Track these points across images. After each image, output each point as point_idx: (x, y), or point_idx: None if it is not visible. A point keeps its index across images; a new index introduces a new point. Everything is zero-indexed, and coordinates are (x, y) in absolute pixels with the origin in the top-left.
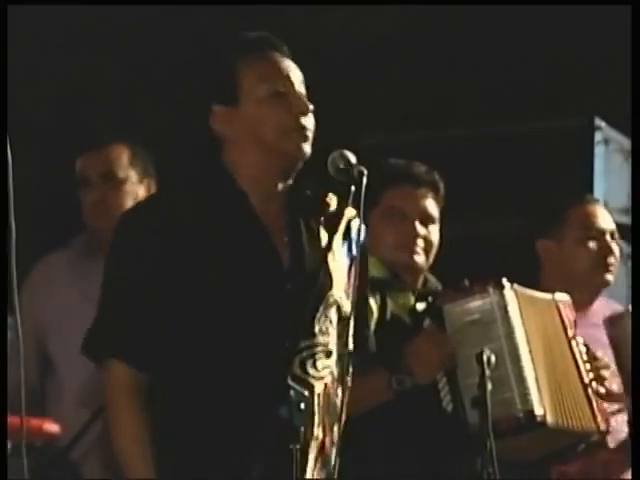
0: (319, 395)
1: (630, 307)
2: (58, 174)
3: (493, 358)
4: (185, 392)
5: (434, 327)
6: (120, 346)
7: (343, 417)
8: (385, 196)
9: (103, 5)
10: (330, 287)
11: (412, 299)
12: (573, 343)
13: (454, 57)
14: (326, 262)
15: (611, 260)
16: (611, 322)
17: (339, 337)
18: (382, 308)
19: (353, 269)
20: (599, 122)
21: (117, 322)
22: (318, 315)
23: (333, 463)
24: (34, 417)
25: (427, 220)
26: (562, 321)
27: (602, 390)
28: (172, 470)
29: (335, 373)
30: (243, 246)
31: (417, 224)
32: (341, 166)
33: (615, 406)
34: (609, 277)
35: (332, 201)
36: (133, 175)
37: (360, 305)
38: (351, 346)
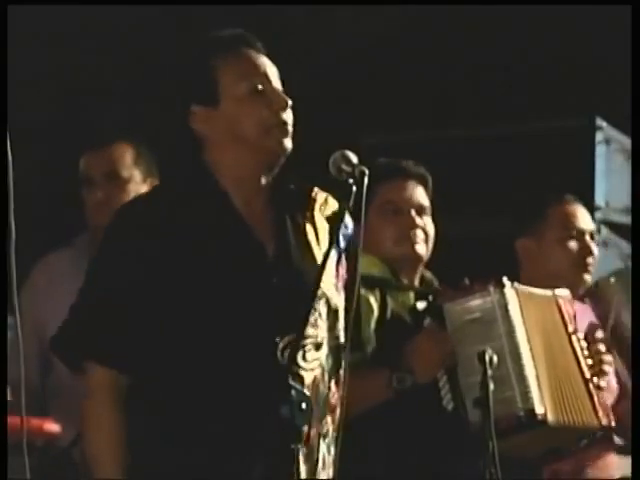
0: (308, 387)
1: (613, 279)
2: (58, 174)
3: (495, 358)
4: (179, 392)
5: (434, 326)
6: (99, 348)
7: (338, 411)
8: (378, 192)
9: (103, 5)
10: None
11: (412, 298)
12: (574, 338)
13: (454, 57)
14: (313, 256)
15: (590, 260)
16: (593, 295)
17: (330, 330)
18: (382, 307)
19: (342, 263)
20: (600, 122)
21: (97, 323)
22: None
23: (317, 457)
24: (35, 417)
25: (421, 211)
26: (562, 317)
27: (603, 384)
28: (172, 470)
29: (326, 366)
30: (227, 243)
31: (413, 214)
32: (343, 166)
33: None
34: (587, 277)
35: (317, 195)
36: (137, 174)
37: (352, 299)
38: (342, 339)
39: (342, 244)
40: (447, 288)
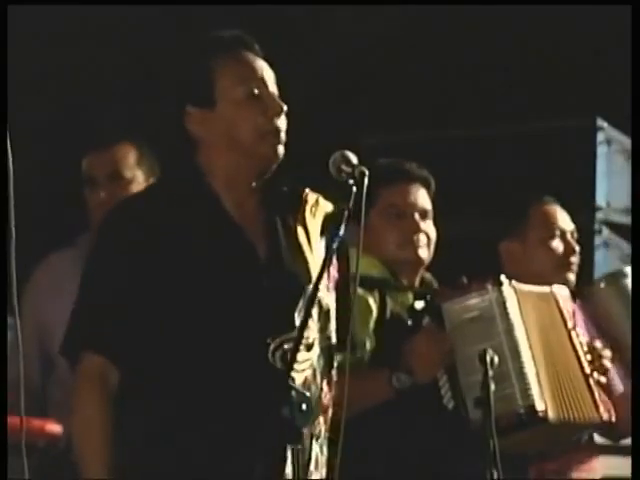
0: (299, 388)
1: (602, 284)
2: (58, 174)
3: (496, 359)
4: (177, 391)
5: (433, 325)
6: (96, 338)
7: (330, 411)
8: (381, 195)
9: (103, 5)
10: (309, 281)
11: (411, 298)
12: (573, 334)
13: (454, 57)
14: (304, 257)
15: (573, 259)
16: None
17: (321, 331)
18: (381, 307)
19: (333, 263)
20: (601, 122)
21: (94, 317)
22: (298, 309)
23: (309, 457)
24: (36, 417)
25: (424, 215)
26: (561, 313)
27: (603, 380)
28: (172, 470)
29: (317, 366)
30: (218, 245)
31: (417, 219)
32: (343, 167)
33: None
34: (571, 276)
35: (309, 197)
36: (140, 175)
37: (345, 300)
38: (334, 339)
39: (334, 244)
40: (445, 287)
